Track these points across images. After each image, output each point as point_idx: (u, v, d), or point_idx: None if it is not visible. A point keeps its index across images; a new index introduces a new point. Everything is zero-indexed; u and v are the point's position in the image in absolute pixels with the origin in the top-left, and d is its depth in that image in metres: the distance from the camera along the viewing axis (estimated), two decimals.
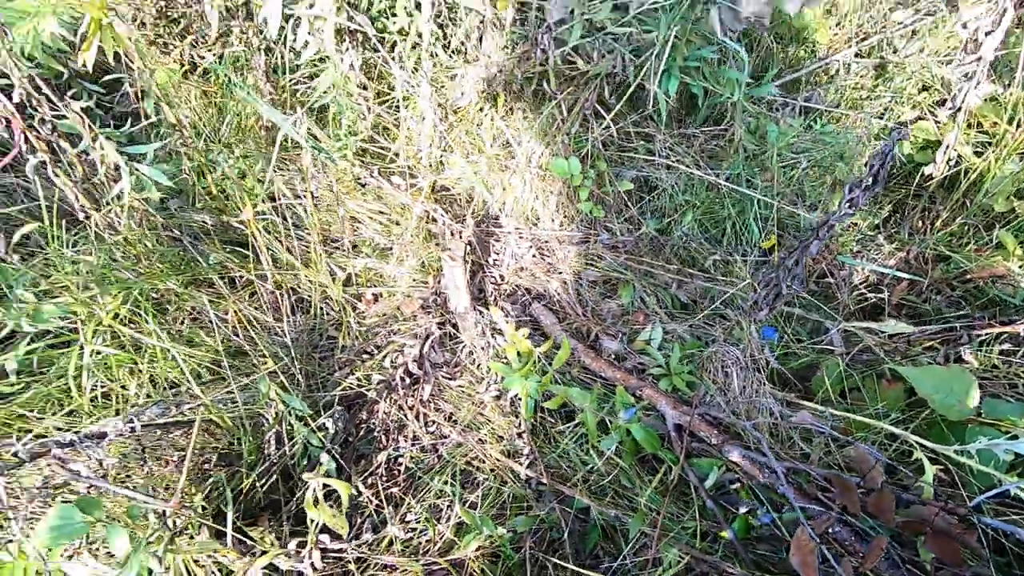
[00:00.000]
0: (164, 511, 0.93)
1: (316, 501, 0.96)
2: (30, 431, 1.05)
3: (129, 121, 1.30)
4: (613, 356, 1.48)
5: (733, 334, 1.23)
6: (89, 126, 1.13)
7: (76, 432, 0.96)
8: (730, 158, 1.69)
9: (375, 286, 1.66)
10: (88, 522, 0.86)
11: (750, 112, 1.65)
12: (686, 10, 1.34)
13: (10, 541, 0.87)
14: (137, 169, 1.20)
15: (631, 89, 1.50)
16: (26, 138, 1.01)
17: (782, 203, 1.53)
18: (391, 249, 1.72)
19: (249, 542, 0.97)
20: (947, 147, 1.37)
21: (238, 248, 1.57)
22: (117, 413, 1.19)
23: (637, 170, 1.77)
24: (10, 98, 1.05)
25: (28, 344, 1.08)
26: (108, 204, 1.23)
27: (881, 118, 1.70)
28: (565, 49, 1.41)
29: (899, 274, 1.31)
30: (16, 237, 0.99)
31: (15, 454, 0.91)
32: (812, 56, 1.83)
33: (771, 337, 1.27)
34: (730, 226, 1.65)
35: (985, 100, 1.60)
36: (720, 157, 1.75)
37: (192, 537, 0.96)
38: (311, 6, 1.34)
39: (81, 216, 1.14)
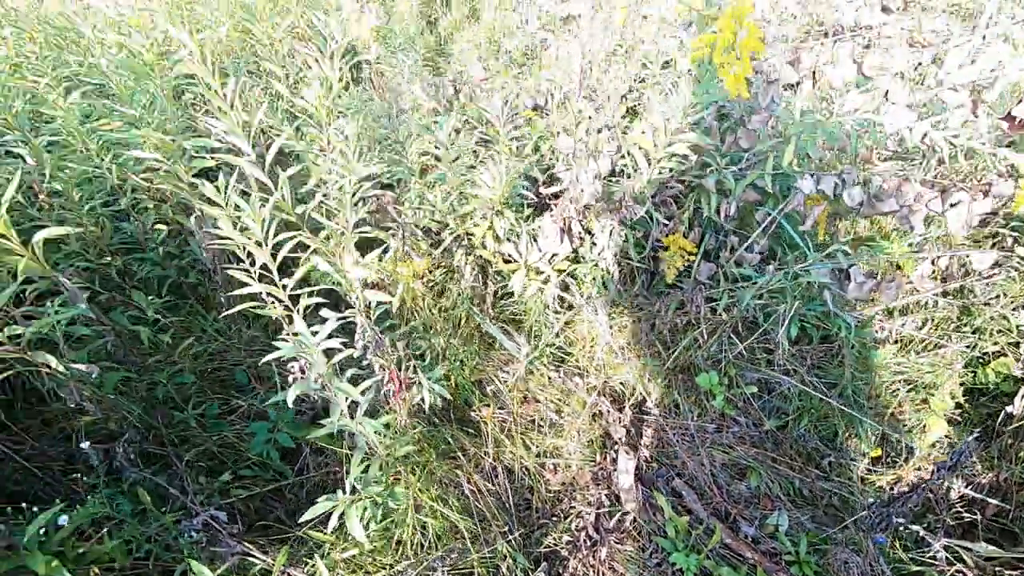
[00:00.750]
0: None
1: None
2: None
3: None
4: (749, 538, 1.89)
5: (853, 540, 1.64)
6: (409, 363, 1.81)
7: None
8: (836, 370, 2.14)
9: (555, 458, 2.20)
10: None
11: (855, 343, 2.12)
12: (804, 289, 1.88)
13: None
14: (431, 387, 1.85)
15: (760, 330, 2.04)
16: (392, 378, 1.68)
17: (883, 422, 1.95)
18: (563, 425, 2.28)
19: None
20: (1022, 395, 1.77)
21: (461, 425, 2.18)
22: (402, 556, 1.76)
23: (760, 375, 2.26)
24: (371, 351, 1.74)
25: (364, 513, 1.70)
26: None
27: (967, 349, 2.11)
28: (713, 305, 1.98)
29: (988, 500, 1.67)
30: (400, 452, 1.63)
31: None
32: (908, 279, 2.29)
33: (882, 543, 1.66)
34: (842, 431, 2.07)
35: None
36: (829, 370, 2.21)
37: None
38: (538, 276, 2.02)
39: (402, 420, 1.79)
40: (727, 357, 2.16)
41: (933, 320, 2.21)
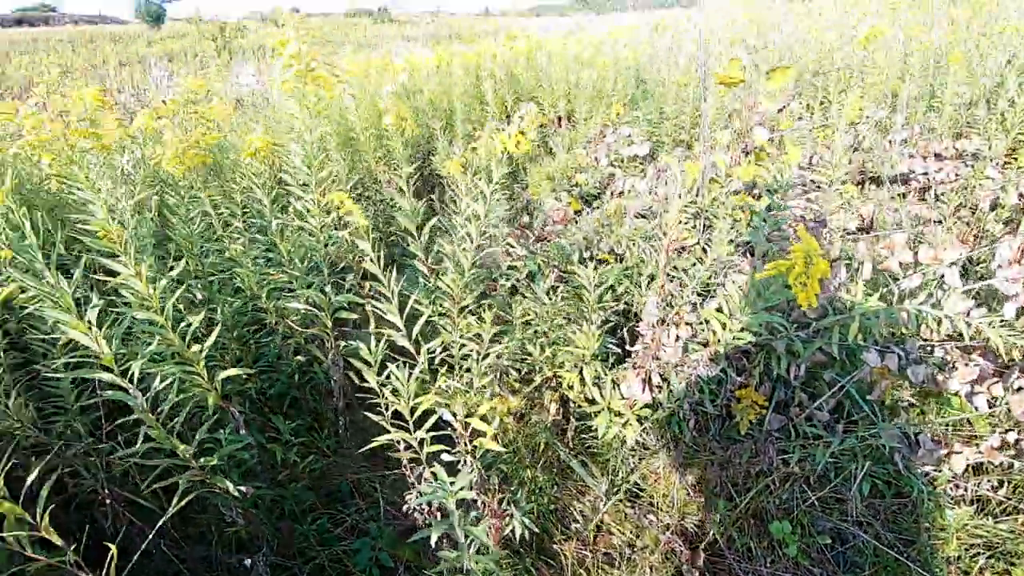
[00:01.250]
0: None
1: None
2: None
3: None
4: None
5: None
6: (504, 495, 2.01)
7: None
8: (912, 526, 2.18)
9: None
10: None
11: (930, 502, 2.17)
12: (874, 450, 2.00)
13: None
14: (522, 519, 2.04)
15: (832, 484, 2.14)
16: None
17: None
18: (636, 561, 2.38)
19: None
20: None
21: (540, 554, 2.33)
22: None
23: (833, 524, 2.31)
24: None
25: None
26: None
27: None
28: (785, 458, 2.12)
29: None
30: None
31: None
32: (977, 448, 2.34)
33: None
34: None
35: None
36: (904, 524, 2.25)
37: None
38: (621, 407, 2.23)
39: (496, 551, 1.97)
40: (799, 506, 2.25)
41: (1010, 482, 2.24)
